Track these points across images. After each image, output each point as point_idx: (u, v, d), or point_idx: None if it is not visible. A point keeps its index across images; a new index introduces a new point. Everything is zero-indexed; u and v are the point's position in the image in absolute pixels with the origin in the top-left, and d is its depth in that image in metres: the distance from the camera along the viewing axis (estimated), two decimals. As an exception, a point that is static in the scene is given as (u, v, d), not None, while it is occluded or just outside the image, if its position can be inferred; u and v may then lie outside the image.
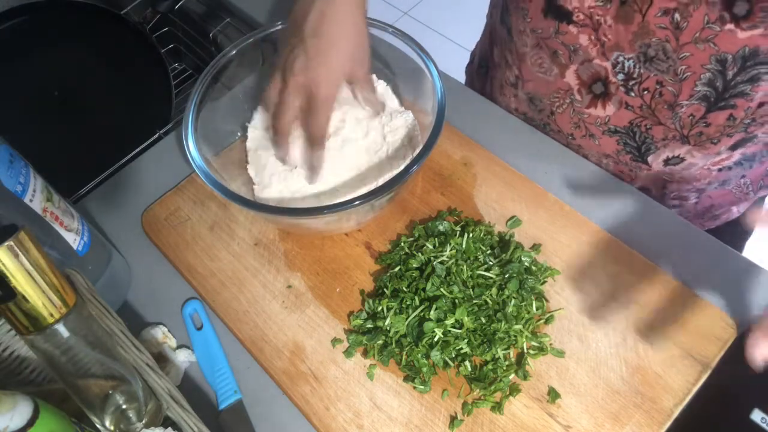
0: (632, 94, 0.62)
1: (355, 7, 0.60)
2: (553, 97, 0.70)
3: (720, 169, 0.69)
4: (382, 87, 0.70)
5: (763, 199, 0.79)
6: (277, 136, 0.63)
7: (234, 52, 0.67)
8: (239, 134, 0.72)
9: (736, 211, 0.78)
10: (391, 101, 0.70)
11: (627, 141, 0.68)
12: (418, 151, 0.58)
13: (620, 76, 0.62)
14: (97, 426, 0.46)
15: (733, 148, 0.65)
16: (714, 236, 0.64)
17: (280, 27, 0.69)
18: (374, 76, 0.71)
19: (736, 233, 0.80)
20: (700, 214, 0.77)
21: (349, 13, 0.60)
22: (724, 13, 0.51)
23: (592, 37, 0.60)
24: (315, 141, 0.62)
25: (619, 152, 0.70)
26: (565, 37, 0.62)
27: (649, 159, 0.68)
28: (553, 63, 0.66)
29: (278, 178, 0.66)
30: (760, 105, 0.58)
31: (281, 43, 0.63)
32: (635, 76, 0.61)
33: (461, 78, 0.96)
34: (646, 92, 0.61)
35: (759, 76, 0.54)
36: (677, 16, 0.53)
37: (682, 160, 0.67)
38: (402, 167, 0.58)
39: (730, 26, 0.52)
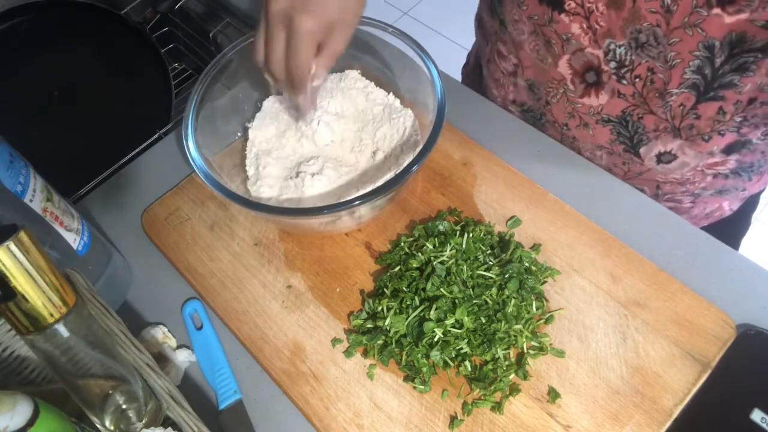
0: (624, 81, 0.63)
1: None
2: (548, 86, 0.70)
3: (715, 175, 0.69)
4: (382, 92, 0.70)
5: (756, 195, 0.79)
6: (276, 83, 0.59)
7: (234, 52, 0.67)
8: (239, 134, 0.72)
9: (728, 209, 0.78)
10: (391, 101, 0.70)
11: (620, 131, 0.68)
12: (418, 151, 0.58)
13: (612, 64, 0.62)
14: (97, 426, 0.46)
15: (727, 151, 0.65)
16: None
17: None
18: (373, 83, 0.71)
19: (730, 231, 0.80)
20: (694, 216, 0.77)
21: None
22: None
23: (584, 25, 0.61)
24: (294, 84, 0.56)
25: (612, 142, 0.70)
26: (557, 26, 0.63)
27: (642, 151, 0.68)
28: (547, 52, 0.67)
29: (278, 178, 0.66)
30: (751, 101, 0.58)
31: None
32: (627, 63, 0.61)
33: (461, 78, 0.96)
34: (637, 80, 0.62)
35: (747, 65, 0.55)
36: None
37: (675, 157, 0.67)
38: (402, 167, 0.58)
39: (716, 10, 0.52)
